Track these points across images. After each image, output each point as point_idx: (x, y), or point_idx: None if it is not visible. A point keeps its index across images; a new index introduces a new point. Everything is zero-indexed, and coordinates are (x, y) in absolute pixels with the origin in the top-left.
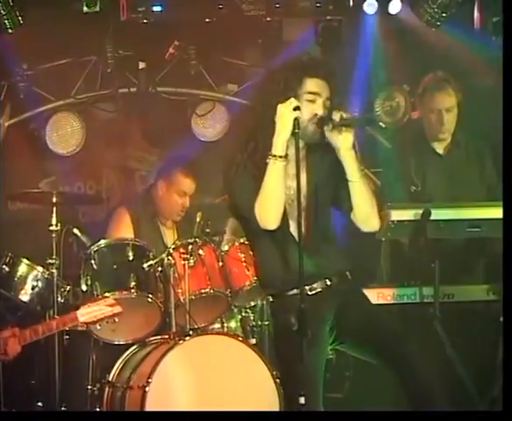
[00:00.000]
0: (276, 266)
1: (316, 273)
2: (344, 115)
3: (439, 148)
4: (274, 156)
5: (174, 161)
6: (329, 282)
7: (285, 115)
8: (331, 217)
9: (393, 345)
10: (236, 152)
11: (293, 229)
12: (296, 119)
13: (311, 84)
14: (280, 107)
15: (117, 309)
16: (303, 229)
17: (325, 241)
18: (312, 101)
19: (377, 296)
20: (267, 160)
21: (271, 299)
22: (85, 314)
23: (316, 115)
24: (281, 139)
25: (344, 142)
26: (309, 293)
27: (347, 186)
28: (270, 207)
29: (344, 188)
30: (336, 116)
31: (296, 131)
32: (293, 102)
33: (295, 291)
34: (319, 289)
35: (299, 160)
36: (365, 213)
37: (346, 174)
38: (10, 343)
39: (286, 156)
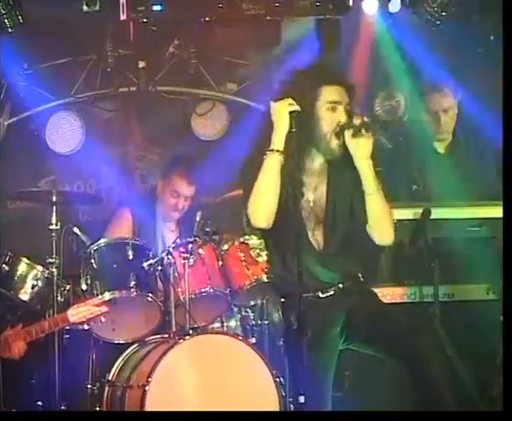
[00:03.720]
0: (291, 270)
1: (330, 281)
2: (366, 119)
3: (440, 147)
4: (272, 150)
5: (173, 162)
6: (341, 286)
7: (280, 112)
8: (348, 228)
9: (405, 341)
10: (253, 152)
11: (311, 237)
12: (292, 113)
13: (330, 92)
14: (274, 104)
15: (104, 308)
16: (321, 239)
17: (341, 251)
18: (333, 109)
19: None
20: (264, 156)
21: (282, 300)
22: (75, 314)
23: (338, 123)
24: (279, 135)
25: (362, 149)
26: (321, 295)
27: (364, 199)
28: (262, 202)
29: (360, 200)
30: (357, 120)
31: (293, 129)
32: (287, 99)
33: (306, 294)
34: (331, 293)
35: (295, 156)
36: (379, 226)
37: (362, 184)
38: (15, 343)
39: (283, 151)
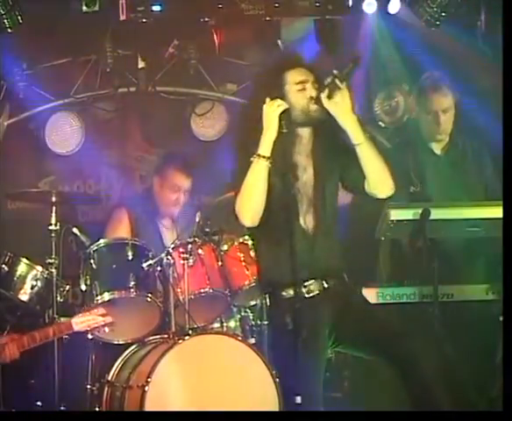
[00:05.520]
0: (277, 259)
1: (312, 267)
2: (335, 71)
3: (437, 148)
4: (259, 155)
5: (168, 158)
6: (326, 285)
7: (269, 114)
8: (336, 212)
9: (394, 343)
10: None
11: (302, 221)
12: (282, 114)
13: (295, 74)
14: (264, 107)
15: (109, 319)
16: (312, 221)
17: (327, 235)
18: (303, 89)
19: (376, 295)
20: (251, 159)
21: (268, 302)
22: (79, 323)
23: (311, 97)
24: (267, 139)
25: (341, 105)
26: (307, 295)
27: (356, 156)
28: (248, 205)
29: (353, 160)
30: (327, 79)
31: (284, 130)
32: (276, 101)
33: (291, 293)
34: (316, 292)
35: (289, 160)
36: (377, 176)
37: (351, 138)
38: (8, 348)
39: (270, 157)
